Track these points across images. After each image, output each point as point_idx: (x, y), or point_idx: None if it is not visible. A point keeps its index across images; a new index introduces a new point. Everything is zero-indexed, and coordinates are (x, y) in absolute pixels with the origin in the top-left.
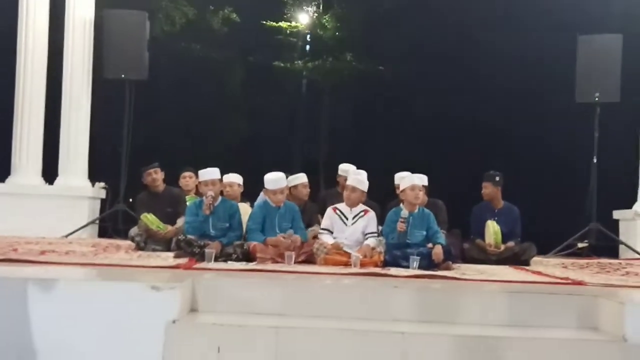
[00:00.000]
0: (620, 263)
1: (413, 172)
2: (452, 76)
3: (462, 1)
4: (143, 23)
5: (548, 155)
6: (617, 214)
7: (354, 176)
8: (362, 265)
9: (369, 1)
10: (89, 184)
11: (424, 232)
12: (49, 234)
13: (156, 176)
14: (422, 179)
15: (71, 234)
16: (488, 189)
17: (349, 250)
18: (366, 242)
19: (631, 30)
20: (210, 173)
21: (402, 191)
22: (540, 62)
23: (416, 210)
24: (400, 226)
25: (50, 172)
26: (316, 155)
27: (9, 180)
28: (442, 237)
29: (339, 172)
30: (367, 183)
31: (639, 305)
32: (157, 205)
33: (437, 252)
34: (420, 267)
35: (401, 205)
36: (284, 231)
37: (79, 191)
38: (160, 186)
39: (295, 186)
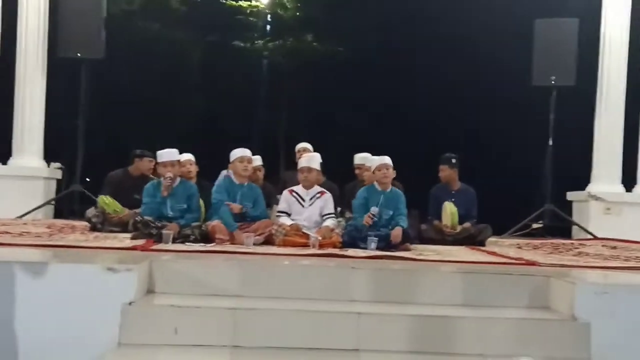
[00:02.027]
0: (572, 244)
1: (373, 153)
2: (410, 58)
3: None
4: (100, 1)
5: (504, 137)
6: (570, 196)
7: (306, 157)
8: (321, 246)
9: None
10: (44, 164)
11: (391, 212)
12: (3, 215)
13: (150, 165)
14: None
15: (26, 214)
16: (445, 172)
17: (307, 232)
18: (324, 223)
19: (586, 14)
20: (169, 154)
21: (372, 172)
22: (497, 45)
23: (388, 190)
24: (367, 220)
25: (3, 152)
26: (276, 136)
27: None
28: (404, 220)
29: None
30: (318, 162)
31: (589, 285)
32: (126, 188)
33: (396, 234)
34: (378, 248)
35: (375, 184)
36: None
37: (34, 172)
38: (143, 174)
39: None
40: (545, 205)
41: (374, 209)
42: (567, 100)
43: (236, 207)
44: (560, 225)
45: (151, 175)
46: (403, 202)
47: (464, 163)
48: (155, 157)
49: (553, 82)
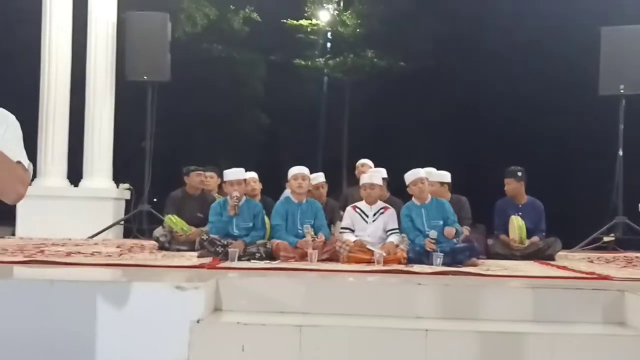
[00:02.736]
0: None
1: (437, 168)
2: (474, 71)
3: None
4: (165, 25)
5: (572, 148)
6: None
7: (369, 173)
8: (385, 262)
9: None
10: (113, 185)
11: (441, 222)
12: (75, 235)
13: (204, 179)
14: (428, 173)
15: (96, 235)
16: (511, 185)
17: (371, 248)
18: (389, 239)
19: None
20: (235, 173)
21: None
22: (563, 55)
23: (427, 201)
24: (430, 246)
25: (75, 174)
26: (338, 152)
27: (34, 183)
28: (457, 225)
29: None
30: (380, 178)
31: None
32: (188, 207)
33: (449, 231)
34: (444, 264)
35: (413, 199)
36: None
37: (103, 192)
38: (198, 190)
39: (314, 186)
40: (617, 218)
41: (433, 233)
42: (637, 108)
43: (304, 242)
44: (632, 238)
45: (215, 194)
46: (450, 210)
47: (531, 175)
48: (204, 170)
49: (622, 90)
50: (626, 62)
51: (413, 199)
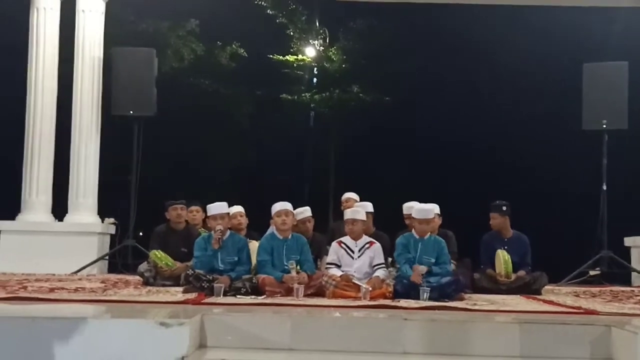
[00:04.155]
0: (632, 291)
1: (422, 202)
2: (458, 106)
3: (466, 32)
4: (151, 60)
5: (557, 183)
6: (628, 241)
7: (352, 209)
8: (372, 297)
9: (374, 34)
10: (98, 220)
11: (433, 260)
12: (59, 270)
13: (181, 212)
14: (434, 209)
15: (80, 270)
16: (496, 220)
17: (357, 282)
18: (375, 274)
19: (636, 57)
20: (219, 207)
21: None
22: (546, 91)
23: (426, 237)
24: (417, 278)
25: (60, 208)
26: (325, 187)
27: (19, 217)
28: (445, 268)
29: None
30: (364, 213)
31: None
32: (172, 242)
33: (420, 268)
34: (430, 299)
35: (413, 231)
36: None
37: (88, 227)
38: (182, 224)
39: (300, 220)
40: (602, 252)
41: (423, 268)
42: (620, 143)
43: (290, 278)
44: (618, 272)
45: (201, 229)
46: (445, 250)
47: (515, 210)
48: (184, 204)
49: (604, 125)
50: (608, 98)
51: (413, 231)
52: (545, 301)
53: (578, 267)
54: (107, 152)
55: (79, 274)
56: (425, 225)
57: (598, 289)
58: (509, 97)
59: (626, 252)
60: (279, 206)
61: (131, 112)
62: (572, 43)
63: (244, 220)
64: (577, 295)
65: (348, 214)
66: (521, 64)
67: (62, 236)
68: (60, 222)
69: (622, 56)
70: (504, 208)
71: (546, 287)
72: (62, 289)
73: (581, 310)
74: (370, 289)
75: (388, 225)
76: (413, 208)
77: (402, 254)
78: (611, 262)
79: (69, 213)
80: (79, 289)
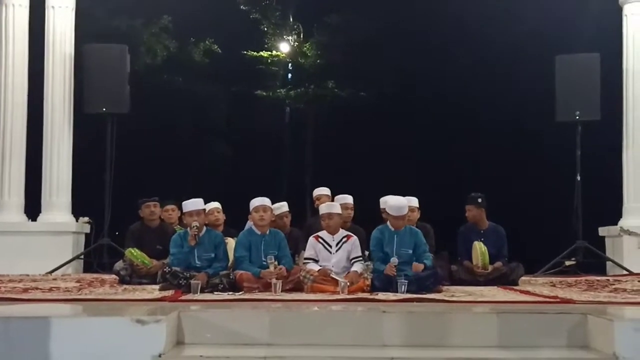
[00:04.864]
0: (608, 280)
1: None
2: (432, 99)
3: (440, 24)
4: (124, 57)
5: (532, 174)
6: (602, 231)
7: (327, 203)
8: (350, 291)
9: (349, 29)
10: (72, 219)
11: (410, 251)
12: (34, 271)
13: (154, 209)
14: (410, 201)
15: (55, 270)
16: (472, 212)
17: (335, 277)
18: (352, 267)
19: (608, 49)
20: (194, 204)
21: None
22: (519, 82)
23: (402, 229)
24: (390, 270)
25: (33, 208)
26: (301, 182)
27: None
28: (427, 257)
29: (382, 206)
30: (339, 207)
31: (628, 322)
32: (147, 240)
33: (416, 265)
34: (408, 291)
35: (388, 224)
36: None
37: (62, 227)
38: (156, 221)
39: (277, 215)
40: (577, 242)
41: (394, 260)
42: (593, 134)
43: (268, 273)
44: (593, 262)
45: (177, 227)
46: (422, 239)
47: (491, 201)
48: (158, 201)
49: (577, 117)
50: (581, 89)
51: (388, 223)
52: (522, 291)
53: (554, 258)
54: (80, 150)
55: (53, 274)
56: (400, 221)
57: (574, 278)
58: (483, 90)
59: (601, 242)
60: (257, 201)
61: (104, 109)
62: (544, 35)
63: (221, 217)
64: (554, 285)
65: (324, 209)
66: (494, 56)
67: (36, 236)
68: (33, 222)
69: (593, 47)
70: (480, 200)
71: (523, 277)
72: (36, 289)
73: (557, 300)
74: (349, 283)
75: (365, 220)
76: (387, 203)
77: (375, 250)
78: (586, 252)
79: (43, 212)
80: (54, 289)
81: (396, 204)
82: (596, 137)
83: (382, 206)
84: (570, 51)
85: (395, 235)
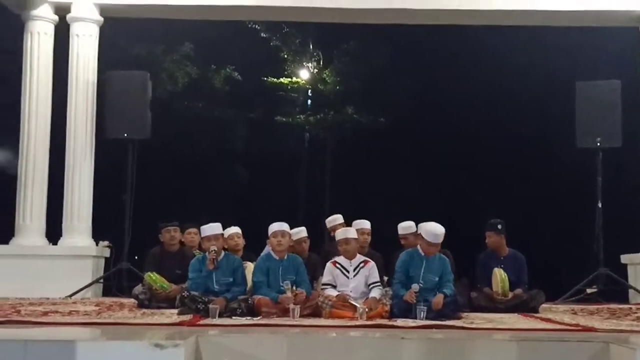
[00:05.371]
0: (630, 308)
1: (418, 221)
2: (453, 125)
3: (459, 52)
4: (145, 83)
5: (554, 201)
6: (625, 258)
7: (343, 229)
8: (368, 317)
9: (368, 55)
10: (92, 243)
11: (437, 278)
12: (54, 294)
13: (174, 234)
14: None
15: (75, 293)
16: (492, 238)
17: (354, 302)
18: (371, 293)
19: (628, 75)
20: (213, 228)
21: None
22: (540, 109)
23: (432, 256)
24: (409, 298)
25: (54, 232)
26: (320, 208)
27: (12, 241)
28: (450, 287)
29: (400, 233)
30: (354, 232)
31: None
32: (166, 264)
33: (437, 301)
34: (427, 318)
35: (418, 247)
36: None
37: (83, 251)
38: (176, 246)
39: (296, 241)
40: (599, 269)
41: (415, 286)
42: (615, 160)
43: (286, 298)
44: (615, 289)
45: (196, 251)
46: (448, 267)
47: (512, 228)
48: (178, 226)
49: (599, 143)
50: (602, 116)
51: (419, 247)
52: (542, 319)
53: (575, 285)
54: (101, 175)
55: (73, 297)
56: (433, 248)
57: (595, 306)
58: (505, 116)
59: (623, 270)
60: (275, 227)
61: (125, 135)
62: (566, 62)
63: (241, 241)
64: (575, 313)
65: (340, 234)
66: (516, 82)
67: (56, 260)
68: (54, 246)
69: (614, 75)
70: (499, 227)
71: (543, 305)
72: (56, 312)
73: (579, 328)
74: (367, 309)
75: (383, 246)
76: (423, 228)
77: (399, 273)
78: (608, 279)
79: (63, 236)
80: (73, 312)
81: (433, 230)
82: (618, 163)
83: (400, 232)
84: (591, 78)
85: (425, 261)
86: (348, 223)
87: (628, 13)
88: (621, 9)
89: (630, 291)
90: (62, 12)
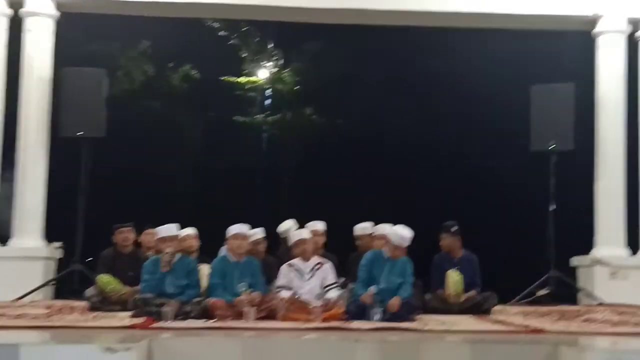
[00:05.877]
0: (579, 310)
1: (375, 223)
2: (409, 129)
3: (418, 54)
4: (101, 81)
5: (505, 203)
6: (575, 261)
7: (297, 230)
8: (324, 319)
9: (327, 56)
10: (44, 244)
11: (399, 280)
12: (1, 297)
13: (128, 235)
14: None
15: (24, 296)
16: (446, 240)
17: (306, 300)
18: (327, 295)
19: (582, 78)
20: (168, 229)
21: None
22: (494, 112)
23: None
24: (365, 299)
25: (4, 233)
26: (278, 209)
27: None
28: (407, 289)
29: (356, 234)
30: (309, 232)
31: (599, 352)
32: (119, 266)
33: (393, 303)
34: (383, 320)
35: (384, 250)
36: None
37: (33, 252)
38: (129, 247)
39: (253, 242)
40: (550, 272)
41: (372, 289)
42: (567, 164)
43: (241, 300)
44: (566, 292)
45: (148, 253)
46: (409, 271)
47: (465, 230)
48: (133, 227)
49: (552, 147)
50: (555, 119)
51: (384, 249)
52: (494, 321)
53: (527, 288)
54: (55, 174)
55: (21, 300)
56: (399, 252)
57: (546, 308)
58: (459, 120)
59: (574, 272)
60: (236, 229)
61: (79, 133)
62: (520, 65)
63: (196, 243)
64: (526, 315)
65: (295, 236)
66: (471, 86)
67: (5, 261)
68: (3, 247)
69: (568, 78)
70: (453, 229)
71: (495, 307)
72: (3, 315)
73: (529, 330)
74: (320, 304)
75: (339, 248)
76: (391, 231)
77: (362, 271)
78: (559, 281)
79: (14, 237)
80: (21, 316)
81: (401, 233)
82: (570, 167)
83: (356, 233)
84: (546, 81)
85: (389, 262)
86: (301, 225)
87: (581, 18)
88: (574, 13)
89: (580, 293)
90: (17, 5)
